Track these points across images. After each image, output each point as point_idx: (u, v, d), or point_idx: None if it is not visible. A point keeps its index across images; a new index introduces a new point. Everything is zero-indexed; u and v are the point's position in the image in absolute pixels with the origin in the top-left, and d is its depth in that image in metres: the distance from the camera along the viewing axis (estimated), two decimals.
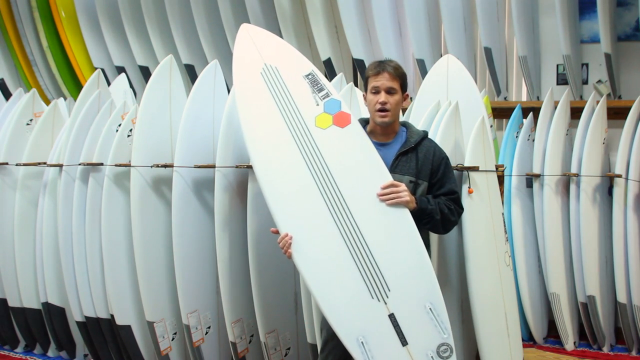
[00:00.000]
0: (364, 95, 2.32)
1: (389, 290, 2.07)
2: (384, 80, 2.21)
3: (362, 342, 2.04)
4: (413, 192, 2.22)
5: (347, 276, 2.08)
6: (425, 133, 2.35)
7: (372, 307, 2.06)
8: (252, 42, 2.26)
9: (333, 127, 2.16)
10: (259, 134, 2.18)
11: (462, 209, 2.34)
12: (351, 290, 2.07)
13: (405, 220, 2.12)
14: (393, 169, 2.24)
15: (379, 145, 2.28)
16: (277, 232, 2.15)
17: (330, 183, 2.12)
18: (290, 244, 2.10)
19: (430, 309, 2.07)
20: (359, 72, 4.08)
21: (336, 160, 2.14)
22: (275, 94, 2.19)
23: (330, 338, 2.30)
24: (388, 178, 2.15)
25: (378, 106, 2.22)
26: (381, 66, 2.23)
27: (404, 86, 2.26)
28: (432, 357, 2.04)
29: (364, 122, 2.35)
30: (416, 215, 2.17)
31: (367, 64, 4.07)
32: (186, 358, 3.01)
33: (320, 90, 2.19)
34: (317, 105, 2.18)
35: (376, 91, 2.22)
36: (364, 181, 2.14)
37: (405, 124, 2.36)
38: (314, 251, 2.10)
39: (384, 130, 2.29)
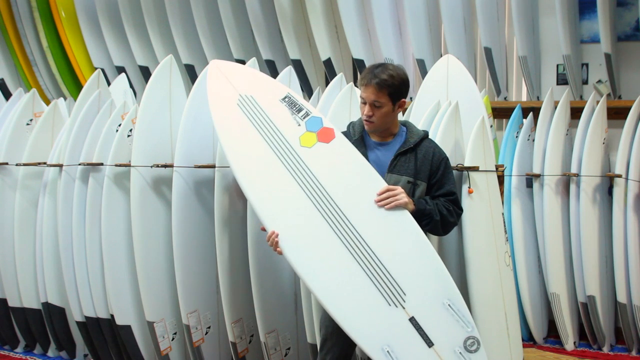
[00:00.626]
0: None
1: (405, 294, 2.06)
2: (368, 93, 2.19)
3: (388, 352, 2.02)
4: (411, 192, 2.22)
5: (360, 289, 2.06)
6: (426, 133, 2.34)
7: (391, 315, 2.04)
8: (223, 76, 2.27)
9: (318, 144, 2.16)
10: (247, 166, 2.18)
11: (461, 210, 2.34)
12: (367, 302, 2.06)
13: (406, 221, 2.12)
14: (391, 169, 2.23)
15: (379, 145, 2.28)
16: (265, 231, 2.14)
17: (327, 200, 2.12)
18: (277, 242, 2.09)
19: (449, 305, 2.06)
20: (359, 72, 4.07)
21: (328, 176, 2.14)
22: (255, 121, 2.19)
23: (329, 336, 2.31)
24: (382, 184, 2.15)
25: (363, 117, 2.23)
26: (368, 78, 2.18)
27: (394, 95, 2.20)
28: (460, 352, 2.03)
29: None
30: (415, 217, 2.16)
31: (367, 64, 4.08)
32: (186, 358, 3.01)
33: (299, 110, 2.20)
34: (299, 125, 2.18)
35: (364, 102, 2.22)
36: (359, 191, 2.13)
37: (405, 124, 2.36)
38: (324, 272, 2.08)
39: (382, 131, 2.29)
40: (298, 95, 2.25)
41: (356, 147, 2.25)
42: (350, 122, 2.38)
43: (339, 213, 2.11)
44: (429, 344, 2.03)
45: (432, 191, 2.28)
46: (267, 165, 2.16)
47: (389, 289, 2.06)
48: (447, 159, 2.33)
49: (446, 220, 2.23)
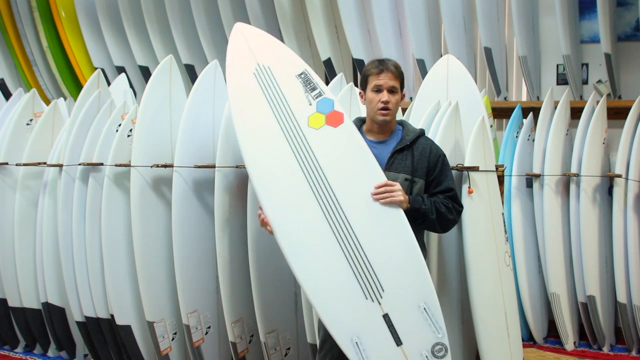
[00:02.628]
0: (360, 93, 2.31)
1: (383, 290, 2.07)
2: (386, 79, 2.21)
3: (356, 343, 2.04)
4: (409, 190, 2.22)
5: (340, 276, 2.08)
6: (422, 131, 2.34)
7: (366, 308, 2.05)
8: (245, 42, 2.24)
9: (326, 127, 2.15)
10: (252, 136, 2.16)
11: (460, 206, 2.33)
12: (345, 290, 2.07)
13: (399, 220, 2.12)
14: (388, 166, 2.23)
15: (376, 144, 2.28)
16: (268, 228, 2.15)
17: (323, 184, 2.12)
18: (266, 223, 2.11)
19: (424, 308, 2.06)
20: (359, 72, 4.07)
21: (329, 160, 2.14)
22: (267, 94, 2.18)
23: (328, 337, 2.30)
24: (382, 177, 2.15)
25: (380, 105, 2.21)
26: (383, 64, 2.23)
27: (403, 85, 2.27)
28: (426, 356, 2.04)
29: (360, 122, 2.35)
30: (410, 215, 2.16)
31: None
32: (186, 358, 3.01)
33: (313, 89, 2.18)
34: (310, 105, 2.16)
35: (378, 90, 2.22)
36: (357, 181, 2.13)
37: (401, 122, 2.36)
38: (307, 252, 2.10)
39: (381, 128, 2.29)
40: (314, 73, 2.22)
41: None
42: None
43: (332, 198, 2.11)
44: (398, 342, 2.04)
45: (431, 188, 2.28)
46: (271, 140, 2.14)
47: (369, 281, 2.07)
48: (444, 155, 2.33)
49: (444, 218, 2.23)
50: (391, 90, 2.22)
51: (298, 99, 2.17)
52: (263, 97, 2.17)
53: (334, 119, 2.15)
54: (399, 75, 2.24)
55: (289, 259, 2.08)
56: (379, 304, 2.06)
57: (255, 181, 2.14)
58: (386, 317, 2.05)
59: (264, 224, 2.15)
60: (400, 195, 2.13)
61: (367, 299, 2.06)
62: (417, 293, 2.08)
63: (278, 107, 2.16)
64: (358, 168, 2.14)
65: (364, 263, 2.08)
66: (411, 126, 2.35)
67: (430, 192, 2.27)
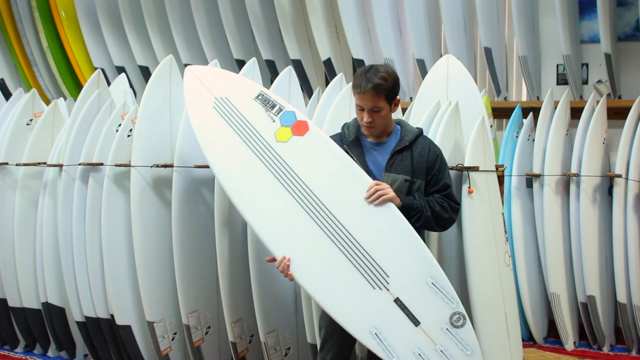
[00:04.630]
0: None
1: (388, 276, 2.09)
2: (366, 101, 2.18)
3: (375, 334, 2.05)
4: (408, 190, 2.22)
5: (344, 275, 2.09)
6: (420, 130, 2.34)
7: (376, 297, 2.07)
8: (198, 81, 2.31)
9: (293, 138, 2.19)
10: (227, 166, 2.22)
11: (457, 204, 2.32)
12: (352, 287, 2.09)
13: (388, 209, 2.13)
14: (388, 168, 2.24)
15: (374, 146, 2.28)
16: (273, 260, 2.17)
17: (307, 193, 2.15)
18: (288, 265, 2.11)
19: (432, 283, 2.08)
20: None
21: (306, 168, 2.17)
22: (231, 122, 2.23)
23: (329, 337, 2.31)
24: (359, 172, 2.16)
25: (363, 123, 2.22)
26: (364, 85, 2.15)
27: (390, 97, 2.21)
28: (447, 329, 2.06)
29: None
30: (403, 213, 2.16)
31: (367, 64, 4.08)
32: (186, 358, 3.01)
33: (273, 106, 2.23)
34: (274, 121, 2.21)
35: (361, 109, 2.21)
36: (337, 180, 2.16)
37: (399, 122, 2.35)
38: (311, 264, 2.12)
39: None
40: (271, 92, 2.27)
41: (351, 148, 2.26)
42: (345, 124, 2.38)
43: (318, 203, 2.14)
44: (416, 323, 2.06)
45: (429, 187, 2.28)
46: (246, 165, 2.19)
47: (372, 272, 2.09)
48: (442, 154, 2.33)
49: (440, 216, 2.23)
50: (373, 110, 2.19)
51: (261, 119, 2.22)
52: (228, 126, 2.22)
53: (300, 129, 2.19)
54: (381, 92, 2.17)
55: (298, 278, 2.10)
56: (388, 290, 2.08)
57: (243, 210, 2.18)
58: (397, 301, 2.07)
59: (285, 270, 2.13)
60: (391, 191, 2.14)
61: (374, 288, 2.08)
62: (422, 270, 2.09)
63: (244, 131, 2.22)
64: (335, 168, 2.18)
65: (363, 256, 2.10)
66: (409, 126, 2.35)
67: (428, 189, 2.27)
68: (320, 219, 2.13)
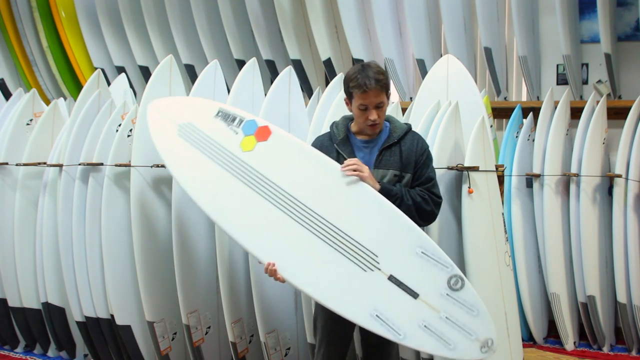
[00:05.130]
0: (345, 100, 2.28)
1: (377, 256, 2.07)
2: (372, 98, 2.17)
3: (377, 316, 2.03)
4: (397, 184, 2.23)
5: (335, 266, 2.09)
6: (409, 126, 2.34)
7: (370, 279, 2.06)
8: (159, 112, 2.36)
9: (259, 145, 2.21)
10: (202, 188, 2.23)
11: (439, 197, 2.30)
12: (344, 276, 2.08)
13: (364, 191, 2.13)
14: (377, 164, 2.24)
15: (365, 143, 2.28)
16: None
17: (282, 194, 2.16)
18: (275, 270, 2.10)
19: (422, 252, 2.06)
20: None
21: (276, 171, 2.19)
22: (197, 145, 2.26)
23: (325, 336, 2.33)
24: (328, 162, 2.17)
25: (369, 122, 2.20)
26: (368, 83, 2.15)
27: (388, 91, 2.23)
28: (447, 294, 2.03)
29: (348, 120, 2.34)
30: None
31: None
32: (186, 358, 3.01)
33: (233, 119, 2.26)
34: (237, 133, 2.24)
35: (365, 108, 2.19)
36: (309, 175, 2.17)
37: (388, 119, 2.35)
38: (298, 262, 2.12)
39: None
40: (229, 106, 2.30)
41: (341, 147, 2.26)
42: (333, 122, 2.37)
43: (294, 201, 2.14)
44: (414, 295, 2.04)
45: (414, 180, 2.27)
46: (220, 183, 2.21)
47: (360, 256, 2.08)
48: (429, 149, 2.33)
49: (421, 208, 2.21)
50: (378, 106, 2.19)
51: (225, 134, 2.25)
52: (195, 149, 2.25)
53: (262, 134, 2.22)
54: (384, 86, 2.18)
55: (288, 278, 2.11)
56: (379, 270, 2.06)
57: (225, 227, 2.19)
58: (391, 278, 2.05)
59: (273, 275, 2.13)
60: (367, 171, 2.13)
61: (366, 271, 2.06)
62: (409, 242, 2.08)
63: (211, 150, 2.24)
64: (304, 164, 2.19)
65: (348, 242, 2.10)
66: (398, 122, 2.35)
67: (412, 183, 2.27)
68: (300, 216, 2.13)
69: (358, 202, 2.12)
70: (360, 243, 2.09)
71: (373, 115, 2.19)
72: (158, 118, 2.35)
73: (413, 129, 2.37)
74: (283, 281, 2.11)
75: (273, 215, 2.14)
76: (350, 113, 2.31)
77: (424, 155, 2.28)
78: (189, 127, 2.28)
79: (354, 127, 2.31)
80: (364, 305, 2.04)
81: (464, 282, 2.03)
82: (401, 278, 2.05)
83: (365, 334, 2.35)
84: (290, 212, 2.14)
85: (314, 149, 2.23)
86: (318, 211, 2.12)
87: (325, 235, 2.11)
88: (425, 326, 2.00)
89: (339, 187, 2.13)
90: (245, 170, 2.19)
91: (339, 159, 2.22)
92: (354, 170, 2.12)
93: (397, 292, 2.04)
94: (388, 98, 2.24)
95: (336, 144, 2.27)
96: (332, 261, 2.09)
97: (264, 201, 2.15)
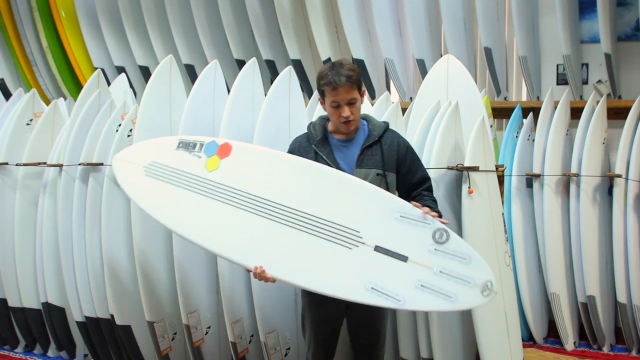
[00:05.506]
0: (319, 98, 2.28)
1: (358, 231, 2.08)
2: (343, 95, 2.17)
3: (372, 288, 2.03)
4: (383, 184, 2.23)
5: (320, 253, 2.10)
6: (387, 124, 2.34)
7: (357, 255, 2.07)
8: (125, 161, 2.41)
9: (222, 162, 2.25)
10: (181, 218, 2.26)
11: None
12: (332, 259, 2.09)
13: (330, 175, 2.16)
14: (359, 163, 2.23)
15: (343, 142, 2.28)
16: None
17: (255, 200, 2.18)
18: (263, 271, 2.10)
19: (400, 216, 2.07)
20: (359, 72, 4.07)
21: (245, 180, 2.22)
22: (166, 179, 2.30)
23: (315, 335, 2.35)
24: (290, 159, 2.20)
25: (342, 119, 2.21)
26: (337, 80, 2.15)
27: (360, 87, 2.23)
28: (434, 249, 2.03)
29: (325, 120, 2.34)
30: None
31: (367, 64, 4.09)
32: (186, 358, 3.01)
33: (194, 146, 2.32)
34: (200, 158, 2.29)
35: (337, 105, 2.20)
36: (277, 175, 2.20)
37: (365, 117, 2.35)
38: (285, 259, 2.13)
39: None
40: (187, 136, 2.36)
41: (319, 147, 2.26)
42: (310, 123, 2.37)
43: (268, 204, 2.16)
44: (404, 259, 2.04)
45: (407, 180, 2.27)
46: (194, 206, 2.24)
47: (343, 236, 2.09)
48: (411, 146, 2.33)
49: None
50: (350, 102, 2.19)
51: (189, 162, 2.30)
52: (165, 183, 2.30)
53: (224, 152, 2.27)
54: (355, 83, 2.18)
55: (278, 276, 2.11)
56: (364, 244, 2.07)
57: (211, 248, 2.21)
58: (377, 248, 2.07)
59: (263, 278, 2.13)
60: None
61: (351, 248, 2.07)
62: (385, 210, 2.09)
63: (180, 180, 2.29)
64: (271, 167, 2.22)
65: (328, 226, 2.11)
66: (376, 120, 2.35)
67: (406, 183, 2.27)
68: (276, 215, 2.15)
69: (327, 187, 2.15)
70: (339, 224, 2.10)
71: (345, 112, 2.19)
72: (123, 167, 2.41)
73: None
74: (273, 281, 2.12)
75: (251, 222, 2.17)
76: (326, 112, 2.31)
77: (408, 153, 2.28)
78: (154, 165, 2.33)
79: (330, 127, 2.31)
80: (358, 282, 2.05)
81: (449, 233, 2.03)
82: (387, 246, 2.06)
83: (354, 334, 2.36)
84: (266, 214, 2.16)
85: (274, 150, 2.26)
86: (292, 206, 2.14)
87: (304, 226, 2.12)
88: (421, 285, 2.00)
89: (305, 179, 2.17)
90: (215, 188, 2.23)
91: (317, 159, 2.23)
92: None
93: (386, 260, 2.05)
94: (362, 95, 2.25)
95: (314, 145, 2.27)
96: (316, 249, 2.10)
97: (240, 211, 2.18)
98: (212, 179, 2.24)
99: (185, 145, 2.33)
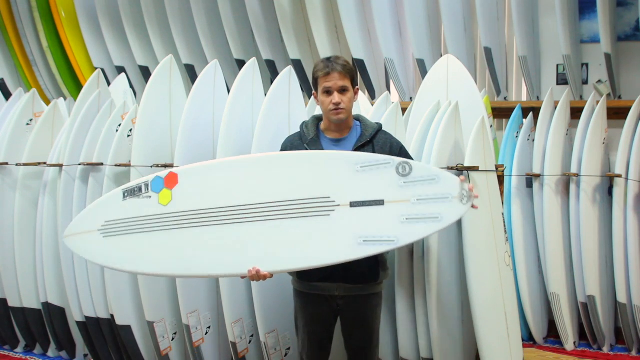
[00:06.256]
0: (314, 94, 2.30)
1: (328, 197, 2.12)
2: (335, 80, 2.20)
3: (364, 241, 2.09)
4: None
5: (303, 230, 2.12)
6: (380, 125, 2.34)
7: (337, 218, 2.11)
8: (76, 235, 2.35)
9: (174, 190, 2.24)
10: (155, 261, 2.24)
11: None
12: (316, 233, 2.12)
13: (275, 159, 2.19)
14: None
15: (335, 141, 2.29)
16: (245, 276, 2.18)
17: (221, 211, 2.18)
18: (258, 270, 2.11)
19: (360, 167, 2.12)
20: (359, 72, 4.08)
21: (204, 197, 2.20)
22: (128, 230, 2.27)
23: (307, 336, 2.36)
24: (236, 160, 2.21)
25: (332, 106, 2.22)
26: (331, 66, 2.21)
27: (354, 81, 2.26)
28: (403, 183, 2.09)
29: (318, 120, 2.35)
30: None
31: (367, 64, 4.09)
32: (186, 358, 3.01)
33: (140, 189, 2.29)
34: (151, 197, 2.27)
35: (328, 92, 2.22)
36: (233, 179, 2.20)
37: (358, 118, 2.36)
38: (274, 252, 2.15)
39: (338, 126, 2.29)
40: (130, 183, 2.32)
41: (312, 146, 2.26)
42: (303, 122, 2.37)
43: (235, 208, 2.17)
44: (381, 203, 2.10)
45: None
46: (166, 244, 2.22)
47: (317, 208, 2.12)
48: (404, 146, 2.35)
49: None
50: (342, 90, 2.21)
51: (142, 205, 2.27)
52: (126, 236, 2.26)
53: (171, 182, 2.25)
54: (348, 73, 2.22)
55: (275, 269, 2.14)
56: (339, 205, 2.11)
57: (201, 273, 2.22)
58: (352, 204, 2.11)
59: (260, 278, 2.14)
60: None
61: (329, 215, 2.11)
62: (345, 168, 2.13)
63: (139, 226, 2.25)
64: (223, 175, 2.21)
65: (299, 205, 2.13)
66: (369, 121, 2.36)
67: None
68: (248, 216, 2.16)
69: (281, 171, 2.17)
70: (308, 197, 2.13)
71: (336, 99, 2.20)
72: (79, 241, 2.34)
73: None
74: (271, 276, 2.13)
75: (226, 232, 2.17)
76: (321, 113, 2.32)
77: (401, 154, 2.28)
78: (107, 225, 2.29)
79: (323, 126, 2.32)
80: (349, 241, 2.09)
81: (410, 164, 2.10)
82: (360, 198, 2.11)
83: (348, 335, 2.36)
84: (237, 219, 2.17)
85: (216, 160, 2.26)
86: (256, 202, 2.15)
87: (276, 214, 2.14)
88: (406, 219, 2.08)
89: (257, 173, 2.18)
90: (178, 217, 2.21)
91: None
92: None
93: (365, 211, 2.10)
94: (355, 93, 2.27)
95: (306, 144, 2.27)
96: (297, 229, 2.13)
97: (211, 227, 2.18)
98: (171, 211, 2.23)
99: (131, 193, 2.30)
